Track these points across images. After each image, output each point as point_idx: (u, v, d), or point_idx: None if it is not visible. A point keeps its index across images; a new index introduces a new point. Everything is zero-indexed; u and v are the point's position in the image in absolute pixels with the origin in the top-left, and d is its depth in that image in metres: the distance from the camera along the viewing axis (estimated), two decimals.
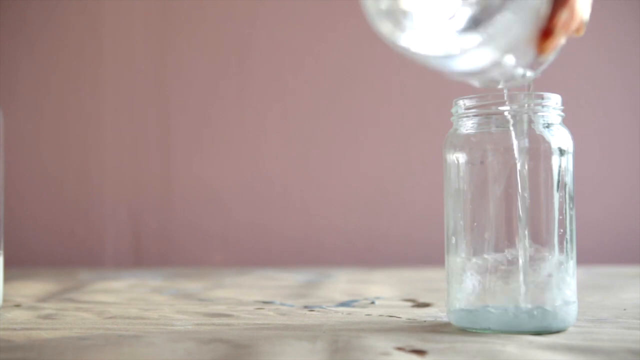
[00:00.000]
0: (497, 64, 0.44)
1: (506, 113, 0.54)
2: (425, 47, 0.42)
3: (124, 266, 1.32)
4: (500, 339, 0.51)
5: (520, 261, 0.54)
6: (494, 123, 0.55)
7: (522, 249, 0.53)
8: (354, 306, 0.71)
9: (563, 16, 0.45)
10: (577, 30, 0.49)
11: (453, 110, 0.57)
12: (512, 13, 0.40)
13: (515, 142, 0.54)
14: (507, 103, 0.54)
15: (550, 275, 0.54)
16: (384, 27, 0.43)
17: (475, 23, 0.41)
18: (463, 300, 0.55)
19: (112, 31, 1.38)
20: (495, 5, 0.41)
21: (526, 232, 0.54)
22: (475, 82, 0.51)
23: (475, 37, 0.41)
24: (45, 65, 1.39)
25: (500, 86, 0.52)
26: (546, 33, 0.45)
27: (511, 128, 0.54)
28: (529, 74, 0.50)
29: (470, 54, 0.42)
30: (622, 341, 0.50)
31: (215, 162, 1.37)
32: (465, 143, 0.56)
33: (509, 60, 0.44)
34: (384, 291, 0.84)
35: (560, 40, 0.47)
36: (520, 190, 0.53)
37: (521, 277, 0.54)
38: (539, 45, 0.46)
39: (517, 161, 0.54)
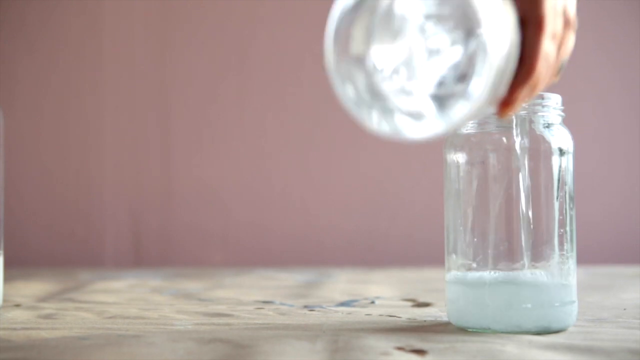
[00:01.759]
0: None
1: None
2: (411, 132, 0.43)
3: (124, 266, 1.32)
4: (500, 338, 0.51)
5: (520, 262, 0.54)
6: (494, 123, 0.55)
7: (522, 249, 0.53)
8: (354, 306, 0.71)
9: (523, 92, 0.45)
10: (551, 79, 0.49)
11: None
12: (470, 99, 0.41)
13: (516, 144, 0.54)
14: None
15: (550, 275, 0.54)
16: (369, 117, 0.44)
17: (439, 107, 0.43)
18: (462, 301, 0.55)
19: (112, 31, 1.38)
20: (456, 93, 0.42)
21: (525, 234, 0.54)
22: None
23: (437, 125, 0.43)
24: (45, 65, 1.39)
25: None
26: (505, 104, 0.45)
27: (514, 129, 0.54)
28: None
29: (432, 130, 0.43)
30: (622, 341, 0.50)
31: (215, 162, 1.37)
32: (465, 143, 0.56)
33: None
34: (384, 291, 0.84)
35: (520, 106, 0.47)
36: (522, 196, 0.53)
37: (521, 277, 0.54)
38: (499, 111, 0.46)
39: (517, 164, 0.54)
